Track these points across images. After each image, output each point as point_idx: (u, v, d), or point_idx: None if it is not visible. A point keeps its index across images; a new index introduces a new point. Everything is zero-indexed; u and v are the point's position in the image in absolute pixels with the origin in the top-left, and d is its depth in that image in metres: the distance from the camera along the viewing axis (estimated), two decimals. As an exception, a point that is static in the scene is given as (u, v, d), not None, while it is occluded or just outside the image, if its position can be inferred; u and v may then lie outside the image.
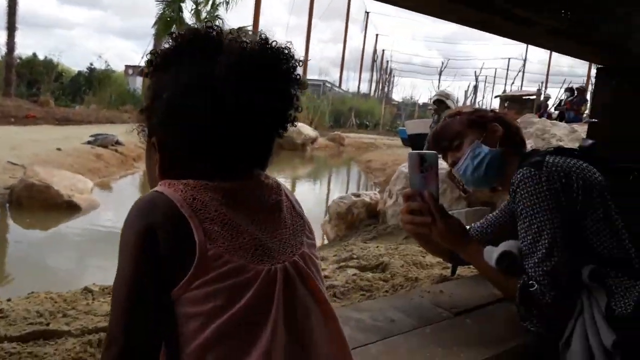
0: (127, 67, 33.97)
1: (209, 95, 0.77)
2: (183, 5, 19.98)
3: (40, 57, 28.02)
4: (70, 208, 6.98)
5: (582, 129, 5.62)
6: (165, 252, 0.73)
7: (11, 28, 24.17)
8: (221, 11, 20.51)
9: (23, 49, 25.67)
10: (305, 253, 0.85)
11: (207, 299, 0.73)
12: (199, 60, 0.79)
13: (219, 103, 0.77)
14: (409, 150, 6.31)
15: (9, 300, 2.46)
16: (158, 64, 0.84)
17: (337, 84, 44.73)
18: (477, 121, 1.56)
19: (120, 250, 0.76)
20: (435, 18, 1.48)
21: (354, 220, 5.03)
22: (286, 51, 0.81)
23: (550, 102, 17.85)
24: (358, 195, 5.23)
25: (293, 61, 0.82)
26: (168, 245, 0.73)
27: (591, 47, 1.73)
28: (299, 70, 0.83)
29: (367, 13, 44.23)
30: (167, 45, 0.84)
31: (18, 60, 25.50)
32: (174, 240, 0.74)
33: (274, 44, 0.81)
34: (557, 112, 15.49)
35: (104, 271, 4.91)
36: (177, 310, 0.74)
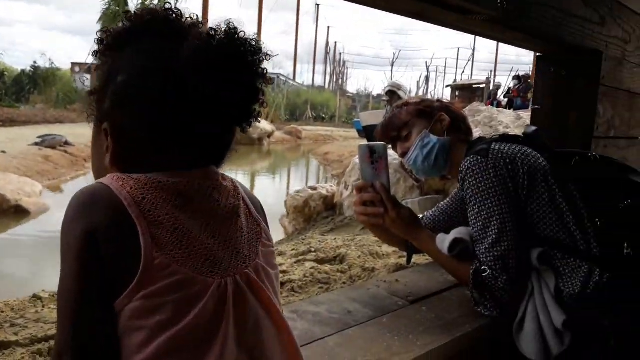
0: (74, 64, 32.87)
1: (172, 79, 0.73)
2: (129, -1, 19.42)
3: (-18, 56, 26.77)
4: (18, 212, 6.72)
5: (527, 116, 5.80)
6: (107, 256, 0.67)
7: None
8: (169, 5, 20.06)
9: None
10: (259, 264, 0.81)
11: (152, 311, 0.68)
12: (159, 42, 0.75)
13: (182, 89, 0.72)
14: (365, 141, 6.35)
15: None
16: (110, 44, 0.78)
17: (292, 77, 44.64)
18: (425, 111, 1.58)
19: (62, 254, 0.70)
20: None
21: (312, 213, 5.04)
22: (254, 43, 0.77)
23: (500, 91, 18.35)
24: (315, 189, 5.23)
25: (261, 54, 0.78)
26: (111, 249, 0.68)
27: (527, 36, 1.77)
28: (265, 64, 0.80)
29: (318, 5, 44.22)
30: (121, 25, 0.78)
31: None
32: (118, 243, 0.68)
33: (242, 34, 0.77)
34: (506, 99, 15.95)
35: (54, 277, 4.74)
36: (120, 322, 0.69)
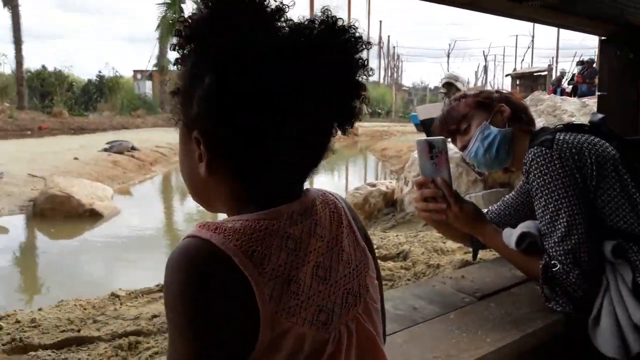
0: (136, 72, 34.18)
1: (269, 76, 0.62)
2: (184, 5, 19.99)
3: (50, 68, 28.36)
4: (92, 216, 7.10)
5: (593, 103, 5.55)
6: (220, 318, 0.61)
7: (17, 42, 24.51)
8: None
9: (32, 62, 26.08)
10: (368, 303, 0.73)
11: None
12: (247, 32, 0.63)
13: (282, 87, 0.62)
14: (423, 135, 6.27)
15: (40, 309, 2.52)
16: (189, 35, 0.66)
17: (346, 74, 44.47)
18: (484, 102, 1.55)
19: (170, 320, 0.63)
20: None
21: (372, 210, 5.04)
22: (354, 31, 0.67)
23: (565, 78, 17.62)
24: (374, 185, 5.23)
25: (361, 43, 0.68)
26: (224, 310, 0.61)
27: (587, 20, 1.70)
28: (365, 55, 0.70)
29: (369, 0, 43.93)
30: (200, 12, 0.65)
31: (28, 74, 25.84)
32: (231, 304, 0.61)
33: (341, 22, 0.67)
34: (570, 86, 15.28)
35: (128, 276, 4.99)
36: None
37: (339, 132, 0.71)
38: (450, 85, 6.41)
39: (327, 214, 0.72)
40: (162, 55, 23.55)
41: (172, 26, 19.70)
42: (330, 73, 0.65)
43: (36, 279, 5.38)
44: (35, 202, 7.34)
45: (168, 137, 14.49)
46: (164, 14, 20.63)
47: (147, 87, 30.00)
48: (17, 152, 11.43)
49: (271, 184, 0.68)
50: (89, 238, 6.69)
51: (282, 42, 0.63)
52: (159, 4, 20.06)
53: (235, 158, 0.66)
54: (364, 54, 0.69)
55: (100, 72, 30.03)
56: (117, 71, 28.58)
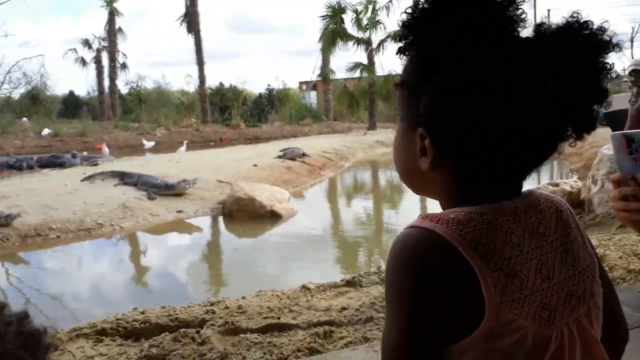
0: (301, 83, 36.11)
1: (515, 72, 0.61)
2: (344, 16, 20.63)
3: (226, 85, 31.30)
4: (272, 217, 7.71)
5: None
6: (441, 306, 0.63)
7: (200, 63, 27.44)
8: (382, 16, 20.75)
9: (211, 80, 29.10)
10: (591, 307, 0.71)
11: None
12: (482, 21, 0.62)
13: (529, 90, 0.62)
14: (607, 130, 5.69)
15: (243, 297, 2.84)
16: (416, 25, 0.65)
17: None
18: None
19: (389, 303, 0.65)
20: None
21: (555, 211, 4.72)
22: (606, 36, 0.65)
23: None
24: (556, 185, 4.89)
25: (611, 46, 0.66)
26: (446, 299, 0.62)
27: None
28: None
29: (538, -12, 40.90)
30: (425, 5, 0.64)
31: (209, 91, 28.82)
32: (454, 292, 0.62)
33: (589, 25, 0.65)
34: None
35: (310, 271, 5.33)
36: None
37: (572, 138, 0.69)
38: (638, 73, 5.74)
39: (552, 215, 0.71)
40: (324, 65, 24.62)
41: (333, 37, 20.50)
42: (569, 78, 0.63)
43: (228, 271, 6.01)
44: (224, 205, 8.19)
45: (334, 143, 15.17)
46: (325, 26, 21.48)
47: (312, 96, 31.62)
48: (205, 161, 12.85)
49: (492, 183, 0.68)
50: (271, 236, 7.30)
51: (512, 45, 0.63)
52: (322, 16, 20.96)
53: (462, 160, 0.67)
54: (609, 58, 0.66)
55: (269, 85, 32.43)
56: (285, 83, 30.59)
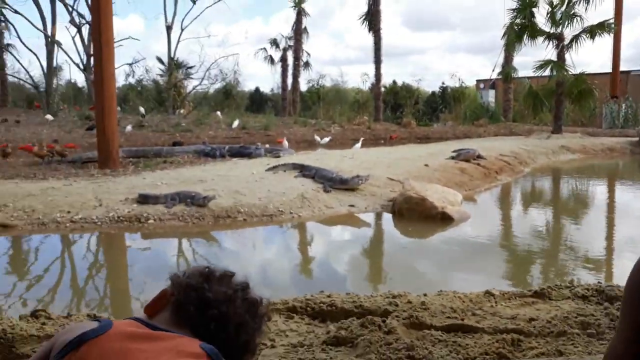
0: (479, 81, 34.78)
1: None
2: (535, 10, 19.22)
3: (399, 83, 31.42)
4: (443, 219, 7.58)
5: None
6: None
7: (377, 61, 27.93)
8: (579, 9, 18.90)
9: (385, 78, 29.49)
10: None
11: None
12: None
13: None
14: None
15: (425, 295, 2.86)
16: None
17: None
18: None
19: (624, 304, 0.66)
20: None
21: None
22: None
23: None
24: None
25: None
26: None
27: None
28: None
29: None
30: None
31: (383, 89, 29.21)
32: None
33: None
34: None
35: (484, 278, 5.15)
36: None
37: None
38: None
39: None
40: (507, 62, 23.39)
41: (521, 32, 19.29)
42: None
43: (395, 267, 6.07)
44: (394, 202, 8.27)
45: (512, 146, 14.34)
46: (512, 20, 20.26)
47: (490, 95, 30.27)
48: (376, 158, 13.09)
49: None
50: (440, 239, 7.19)
51: None
52: (510, 9, 19.81)
53: None
54: None
55: (443, 83, 31.82)
56: (462, 81, 29.67)
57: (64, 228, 7.33)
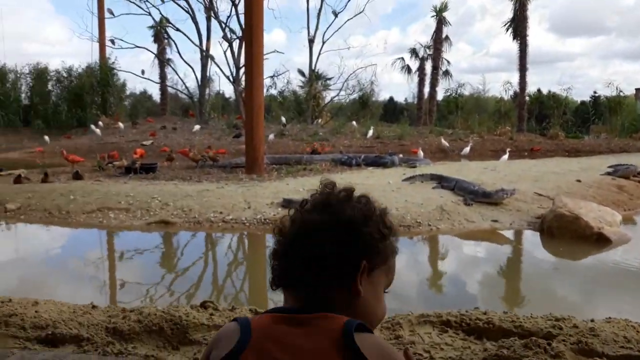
0: (638, 90, 31.54)
1: None
2: None
3: (544, 91, 29.49)
4: (599, 241, 6.94)
5: None
6: None
7: (522, 69, 26.53)
8: None
9: (529, 87, 27.81)
10: None
11: None
12: None
13: None
14: None
15: (592, 320, 2.64)
16: None
17: None
18: None
19: None
20: None
21: None
22: None
23: None
24: None
25: None
26: None
27: None
28: None
29: None
30: None
31: (527, 98, 27.62)
32: None
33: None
34: None
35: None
36: None
37: None
38: None
39: None
40: (674, 70, 20.91)
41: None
42: None
43: (543, 289, 5.67)
44: (543, 220, 7.75)
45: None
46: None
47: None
48: (521, 171, 12.39)
49: None
50: (595, 262, 6.60)
51: None
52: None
53: None
54: None
55: (595, 92, 29.25)
56: (620, 90, 27.01)
57: (216, 227, 7.95)
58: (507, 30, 26.72)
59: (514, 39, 26.41)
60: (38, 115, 26.74)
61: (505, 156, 15.42)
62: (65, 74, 28.41)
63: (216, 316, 2.87)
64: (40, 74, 28.59)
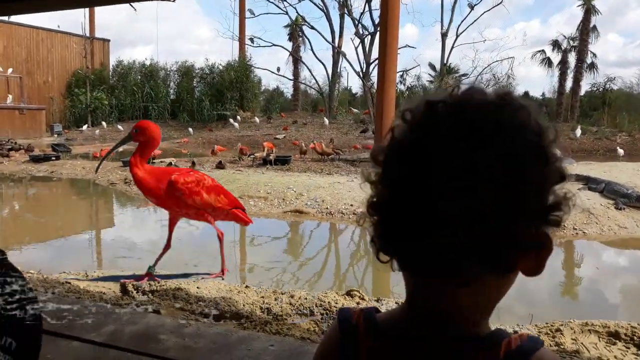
0: None
1: None
2: None
3: None
4: None
5: None
6: None
7: None
8: None
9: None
10: None
11: None
12: None
13: None
14: None
15: None
16: None
17: None
18: None
19: None
20: None
21: None
22: None
23: None
24: None
25: None
26: None
27: None
28: None
29: None
30: None
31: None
32: None
33: None
34: None
35: None
36: None
37: None
38: None
39: None
40: None
41: None
42: None
43: None
44: None
45: None
46: None
47: None
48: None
49: None
50: None
51: None
52: None
53: None
54: None
55: None
56: None
57: (347, 219, 8.10)
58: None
59: None
60: (184, 109, 29.10)
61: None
62: (207, 71, 30.59)
63: (363, 305, 2.92)
64: (186, 71, 31.06)
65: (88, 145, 20.39)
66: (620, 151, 16.66)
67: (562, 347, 2.28)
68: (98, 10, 29.91)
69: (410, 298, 0.69)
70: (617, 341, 2.37)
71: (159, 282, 3.75)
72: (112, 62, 31.72)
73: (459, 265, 0.61)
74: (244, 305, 3.02)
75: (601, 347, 2.30)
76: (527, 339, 0.64)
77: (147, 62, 31.16)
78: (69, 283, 3.64)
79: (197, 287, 3.39)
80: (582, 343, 2.31)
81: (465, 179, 0.59)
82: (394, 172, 0.66)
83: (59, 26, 28.43)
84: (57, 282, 3.58)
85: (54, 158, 14.85)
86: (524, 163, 0.62)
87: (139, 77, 30.55)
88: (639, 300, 5.28)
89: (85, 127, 25.86)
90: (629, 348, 2.31)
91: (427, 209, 0.60)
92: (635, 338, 2.36)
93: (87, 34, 28.67)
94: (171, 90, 31.64)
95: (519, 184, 0.61)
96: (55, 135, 23.58)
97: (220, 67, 30.01)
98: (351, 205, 8.43)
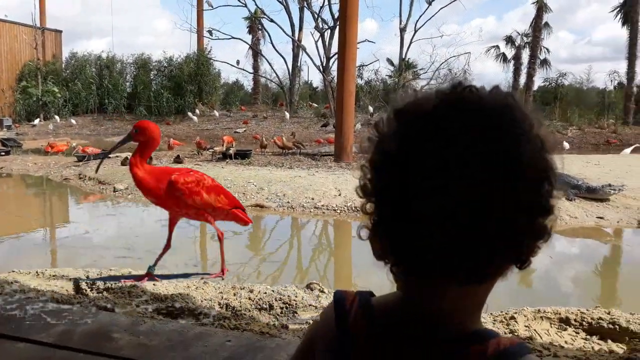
0: None
1: None
2: None
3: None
4: None
5: None
6: None
7: (631, 58, 24.58)
8: None
9: (638, 77, 25.67)
10: None
11: None
12: None
13: None
14: None
15: None
16: None
17: None
18: None
19: None
20: None
21: None
22: None
23: None
24: None
25: None
26: None
27: None
28: None
29: None
30: None
31: (635, 89, 25.61)
32: None
33: None
34: None
35: None
36: None
37: None
38: None
39: None
40: None
41: None
42: None
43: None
44: (655, 218, 7.18)
45: None
46: None
47: None
48: (627, 166, 11.55)
49: None
50: None
51: None
52: None
53: None
54: None
55: None
56: None
57: (308, 212, 8.09)
58: (616, 16, 24.88)
59: (623, 24, 24.50)
60: (140, 103, 28.46)
61: (628, 150, 14.39)
62: (165, 64, 29.98)
63: (322, 298, 2.91)
64: (143, 64, 30.36)
65: (40, 139, 19.68)
66: (566, 144, 17.25)
67: (515, 334, 2.34)
68: (50, 1, 28.87)
69: (405, 295, 0.70)
70: (568, 327, 2.45)
71: (118, 281, 3.67)
72: (66, 54, 30.73)
73: (441, 266, 0.61)
74: (202, 301, 2.97)
75: (553, 332, 2.38)
76: (517, 344, 0.65)
77: (104, 55, 30.30)
78: (18, 282, 3.50)
79: (154, 285, 3.32)
80: (535, 330, 2.38)
81: (438, 176, 0.59)
82: (379, 182, 0.67)
83: (6, 15, 27.29)
84: (4, 282, 3.44)
85: (3, 153, 14.29)
86: (497, 158, 0.59)
87: (94, 69, 29.67)
88: (589, 287, 5.49)
89: (37, 121, 24.97)
90: (578, 333, 2.40)
91: (405, 210, 0.61)
92: (584, 323, 2.44)
93: (38, 24, 27.63)
94: (127, 84, 30.87)
95: (494, 182, 0.59)
96: (5, 130, 22.68)
97: (179, 60, 29.47)
98: (312, 199, 8.43)
